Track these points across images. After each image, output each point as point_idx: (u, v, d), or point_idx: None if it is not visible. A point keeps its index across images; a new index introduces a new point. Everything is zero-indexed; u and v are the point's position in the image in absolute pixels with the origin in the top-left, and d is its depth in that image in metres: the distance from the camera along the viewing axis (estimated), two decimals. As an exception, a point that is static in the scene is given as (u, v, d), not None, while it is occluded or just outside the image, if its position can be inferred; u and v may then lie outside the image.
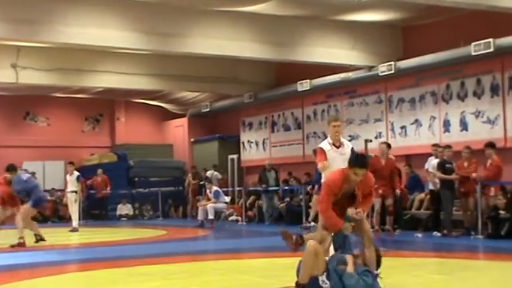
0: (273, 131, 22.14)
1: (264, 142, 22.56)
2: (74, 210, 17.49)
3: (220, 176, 22.47)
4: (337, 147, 8.27)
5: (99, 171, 22.92)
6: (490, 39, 13.95)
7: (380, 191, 13.41)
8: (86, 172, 21.79)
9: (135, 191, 23.96)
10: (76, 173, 17.74)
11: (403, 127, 17.10)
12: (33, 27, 13.80)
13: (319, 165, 8.33)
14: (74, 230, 17.15)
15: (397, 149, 16.03)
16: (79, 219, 17.98)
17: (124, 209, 23.45)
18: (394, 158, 14.49)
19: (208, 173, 22.08)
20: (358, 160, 6.61)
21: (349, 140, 18.32)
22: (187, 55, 17.08)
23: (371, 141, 15.82)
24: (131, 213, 23.47)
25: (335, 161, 8.09)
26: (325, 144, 8.33)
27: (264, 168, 19.27)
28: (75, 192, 17.51)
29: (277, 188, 19.19)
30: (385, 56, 16.89)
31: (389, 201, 13.62)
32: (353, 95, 18.73)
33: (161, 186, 23.82)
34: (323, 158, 8.26)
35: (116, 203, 23.40)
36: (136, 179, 24.30)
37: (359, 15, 15.70)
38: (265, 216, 19.07)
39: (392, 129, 17.38)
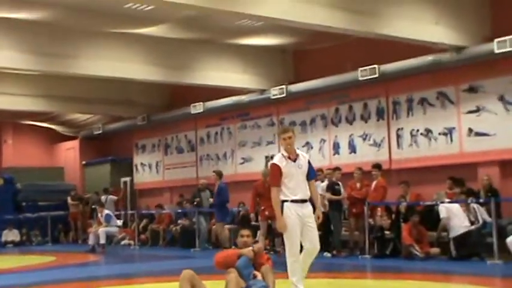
0: (166, 154, 22.01)
1: (157, 165, 22.39)
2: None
3: (115, 198, 22.07)
4: (294, 160, 7.40)
5: None
6: (375, 65, 14.55)
7: (266, 213, 13.48)
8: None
9: (23, 215, 23.06)
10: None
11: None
12: None
13: (272, 194, 7.38)
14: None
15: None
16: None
17: (10, 235, 22.47)
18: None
19: (103, 198, 21.70)
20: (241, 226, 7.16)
21: (242, 163, 18.84)
22: (78, 76, 16.73)
23: (272, 158, 16.19)
24: (18, 239, 22.56)
25: (293, 176, 7.34)
26: (280, 159, 7.41)
27: (198, 188, 17.66)
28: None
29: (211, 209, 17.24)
30: (277, 80, 17.22)
31: (274, 224, 13.76)
32: (246, 118, 18.95)
33: (51, 211, 23.06)
34: (277, 180, 7.34)
35: (1, 229, 22.41)
36: (24, 203, 23.42)
37: (251, 39, 15.94)
38: (198, 241, 17.23)
39: (284, 152, 17.64)
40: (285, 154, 7.42)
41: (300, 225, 7.28)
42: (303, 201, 7.36)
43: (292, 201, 7.31)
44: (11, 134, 25.82)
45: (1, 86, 18.36)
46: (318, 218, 7.46)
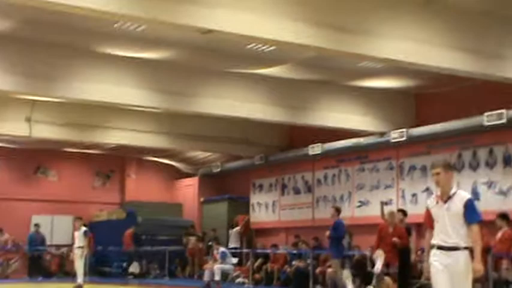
0: (283, 194, 22.00)
1: (273, 204, 22.41)
2: (79, 266, 17.29)
3: (238, 228, 22.31)
4: (445, 201, 6.71)
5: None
6: (503, 110, 13.92)
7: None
8: (94, 228, 21.63)
9: (142, 249, 23.70)
10: (83, 228, 17.58)
11: (414, 194, 16.93)
12: (49, 82, 13.99)
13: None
14: (79, 286, 16.93)
15: (408, 217, 15.81)
16: (84, 276, 17.76)
17: (131, 267, 23.13)
18: (406, 224, 14.39)
19: (230, 232, 22.12)
20: None
21: (359, 206, 18.48)
22: (199, 114, 17.14)
23: (387, 203, 15.98)
24: (138, 271, 23.16)
25: (439, 219, 6.68)
26: (431, 200, 6.93)
27: None
28: (82, 247, 17.34)
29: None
30: (397, 123, 16.88)
31: (393, 269, 13.39)
32: (364, 161, 18.65)
33: (169, 245, 23.57)
34: (426, 222, 6.89)
35: (123, 260, 23.12)
36: (143, 236, 24.09)
37: (372, 81, 15.77)
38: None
39: (403, 196, 17.22)
40: (438, 194, 6.82)
41: (447, 274, 6.54)
42: (448, 248, 6.57)
43: (436, 247, 6.67)
44: (135, 168, 26.75)
45: (126, 122, 19.11)
46: (474, 271, 6.52)
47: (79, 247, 17.35)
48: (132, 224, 23.86)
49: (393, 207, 16.04)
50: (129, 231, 22.83)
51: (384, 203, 14.88)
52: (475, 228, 6.56)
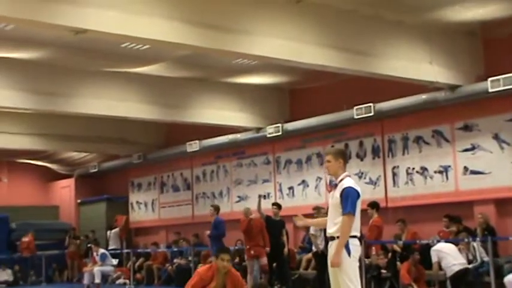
0: (162, 192, 21.95)
1: (153, 203, 22.31)
2: None
3: (117, 229, 21.99)
4: (334, 190, 6.47)
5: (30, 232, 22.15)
6: (371, 104, 14.62)
7: (252, 252, 13.67)
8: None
9: (17, 255, 22.84)
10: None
11: (290, 188, 17.42)
12: None
13: None
14: None
15: (285, 209, 16.27)
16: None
17: (3, 274, 22.18)
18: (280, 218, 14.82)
19: (108, 233, 21.74)
20: (221, 250, 7.40)
21: (237, 201, 18.75)
22: (74, 115, 16.76)
23: (265, 197, 16.35)
24: (11, 279, 22.28)
25: (330, 207, 6.49)
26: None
27: None
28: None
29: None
30: (273, 118, 17.28)
31: (262, 261, 13.80)
32: (241, 156, 18.96)
33: (45, 250, 22.86)
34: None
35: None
36: (18, 242, 23.22)
37: (247, 78, 16.05)
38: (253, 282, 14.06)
39: (280, 190, 17.67)
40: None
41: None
42: (330, 238, 6.36)
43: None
44: (6, 172, 25.71)
45: (-2, 124, 18.37)
46: (331, 264, 6.23)
47: None
48: (3, 230, 22.94)
49: (272, 201, 16.49)
50: (28, 238, 22.14)
51: (261, 196, 15.23)
52: (344, 218, 6.21)
